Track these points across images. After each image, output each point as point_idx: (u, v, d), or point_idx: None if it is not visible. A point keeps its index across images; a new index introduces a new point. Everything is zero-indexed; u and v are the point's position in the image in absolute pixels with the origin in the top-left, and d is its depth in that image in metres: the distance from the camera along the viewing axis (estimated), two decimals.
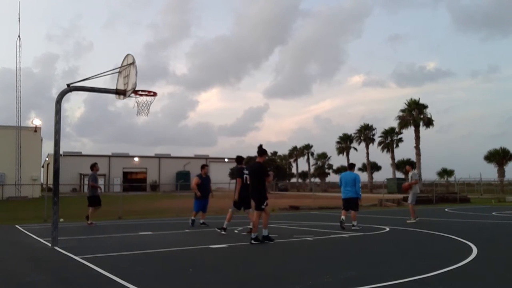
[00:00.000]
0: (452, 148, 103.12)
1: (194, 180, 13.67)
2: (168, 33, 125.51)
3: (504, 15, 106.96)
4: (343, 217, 12.46)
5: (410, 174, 15.09)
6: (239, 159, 11.59)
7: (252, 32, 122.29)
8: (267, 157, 10.69)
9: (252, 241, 9.29)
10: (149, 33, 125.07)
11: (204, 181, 13.62)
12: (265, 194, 9.60)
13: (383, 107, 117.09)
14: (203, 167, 13.96)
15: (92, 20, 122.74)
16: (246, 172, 10.66)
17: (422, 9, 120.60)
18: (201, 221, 13.64)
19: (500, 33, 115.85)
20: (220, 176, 46.83)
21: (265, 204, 9.47)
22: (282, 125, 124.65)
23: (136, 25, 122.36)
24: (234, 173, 11.37)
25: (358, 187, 12.76)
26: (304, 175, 77.56)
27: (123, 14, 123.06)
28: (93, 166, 14.54)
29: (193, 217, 13.69)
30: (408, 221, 14.15)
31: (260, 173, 9.60)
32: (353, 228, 12.11)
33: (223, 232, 11.01)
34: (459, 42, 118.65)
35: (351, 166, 14.38)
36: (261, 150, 9.92)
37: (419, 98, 49.01)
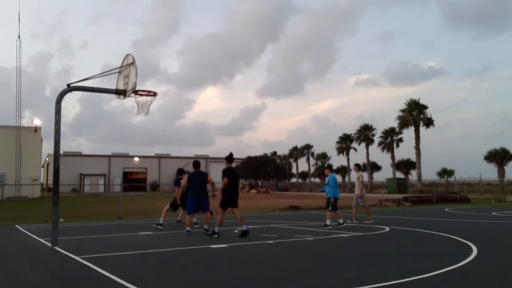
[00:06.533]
0: (450, 148, 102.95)
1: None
2: (157, 30, 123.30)
3: (495, 12, 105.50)
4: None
5: (357, 175, 14.47)
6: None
7: (243, 29, 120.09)
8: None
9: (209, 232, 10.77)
10: (137, 30, 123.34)
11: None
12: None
13: (379, 106, 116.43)
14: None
15: (78, 17, 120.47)
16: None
17: (411, 6, 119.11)
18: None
19: (492, 30, 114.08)
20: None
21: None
22: (279, 125, 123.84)
23: (123, 22, 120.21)
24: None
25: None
26: (304, 175, 77.66)
27: (109, 11, 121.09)
28: None
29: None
30: (366, 221, 14.04)
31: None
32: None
33: (160, 227, 12.63)
34: (451, 40, 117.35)
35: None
36: (231, 157, 11.62)
37: (419, 98, 49.12)
